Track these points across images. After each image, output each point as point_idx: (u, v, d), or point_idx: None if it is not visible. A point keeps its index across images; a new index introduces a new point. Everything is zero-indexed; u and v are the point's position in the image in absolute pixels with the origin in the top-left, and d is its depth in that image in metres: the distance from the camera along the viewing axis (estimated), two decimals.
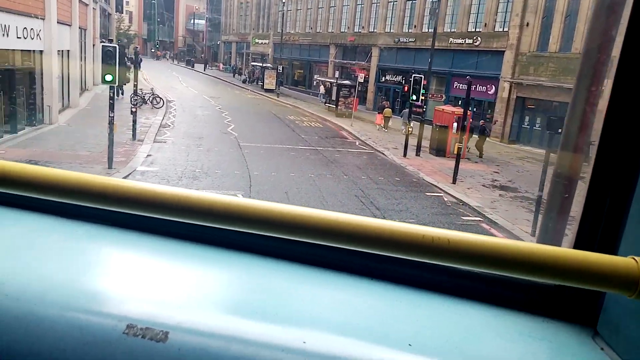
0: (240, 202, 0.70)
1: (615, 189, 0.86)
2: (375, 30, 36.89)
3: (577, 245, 0.91)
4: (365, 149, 20.89)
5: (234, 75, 56.01)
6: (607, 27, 4.29)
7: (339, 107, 31.36)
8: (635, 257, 0.65)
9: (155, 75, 45.81)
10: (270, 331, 0.82)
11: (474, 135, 21.03)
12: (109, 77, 13.08)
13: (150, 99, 25.64)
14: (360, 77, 30.40)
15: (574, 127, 4.60)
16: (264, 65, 44.72)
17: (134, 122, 17.29)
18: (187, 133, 20.09)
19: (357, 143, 22.29)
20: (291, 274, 1.01)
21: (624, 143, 0.84)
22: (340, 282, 0.99)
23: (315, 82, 42.27)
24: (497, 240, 0.66)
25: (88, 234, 1.09)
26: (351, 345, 0.81)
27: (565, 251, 0.65)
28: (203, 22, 79.45)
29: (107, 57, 13.09)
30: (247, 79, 49.40)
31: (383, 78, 36.52)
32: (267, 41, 51.92)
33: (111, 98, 13.97)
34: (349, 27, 39.76)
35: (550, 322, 0.92)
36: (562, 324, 0.91)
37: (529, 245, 0.66)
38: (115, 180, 0.73)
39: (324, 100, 35.93)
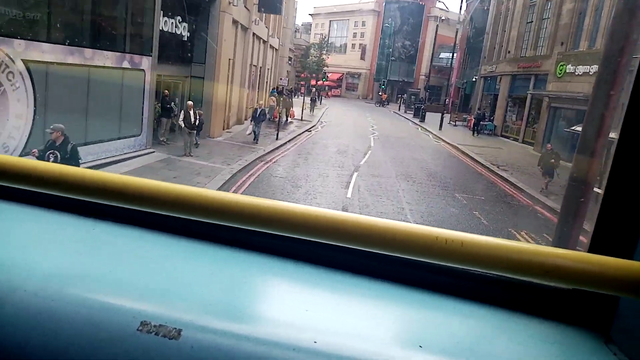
0: (238, 199, 0.72)
1: (632, 192, 0.84)
2: None
3: (592, 249, 0.89)
4: None
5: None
6: (629, 30, 4.19)
7: None
8: None
9: (323, 138, 22.00)
10: (281, 330, 0.83)
11: None
12: None
13: None
14: None
15: (591, 131, 4.51)
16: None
17: None
18: None
19: None
20: (302, 274, 1.01)
21: None
22: (350, 283, 0.99)
23: None
24: (511, 243, 0.66)
25: (104, 232, 1.10)
26: (361, 346, 0.81)
27: (581, 255, 0.65)
28: (455, 55, 53.24)
29: None
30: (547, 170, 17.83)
31: None
32: (592, 68, 21.94)
33: None
34: None
35: (563, 326, 0.91)
36: (574, 329, 0.90)
37: (544, 248, 0.66)
38: (128, 179, 0.74)
39: None
